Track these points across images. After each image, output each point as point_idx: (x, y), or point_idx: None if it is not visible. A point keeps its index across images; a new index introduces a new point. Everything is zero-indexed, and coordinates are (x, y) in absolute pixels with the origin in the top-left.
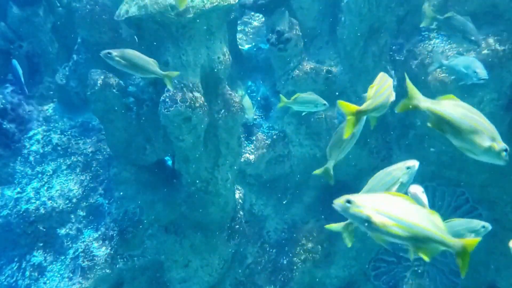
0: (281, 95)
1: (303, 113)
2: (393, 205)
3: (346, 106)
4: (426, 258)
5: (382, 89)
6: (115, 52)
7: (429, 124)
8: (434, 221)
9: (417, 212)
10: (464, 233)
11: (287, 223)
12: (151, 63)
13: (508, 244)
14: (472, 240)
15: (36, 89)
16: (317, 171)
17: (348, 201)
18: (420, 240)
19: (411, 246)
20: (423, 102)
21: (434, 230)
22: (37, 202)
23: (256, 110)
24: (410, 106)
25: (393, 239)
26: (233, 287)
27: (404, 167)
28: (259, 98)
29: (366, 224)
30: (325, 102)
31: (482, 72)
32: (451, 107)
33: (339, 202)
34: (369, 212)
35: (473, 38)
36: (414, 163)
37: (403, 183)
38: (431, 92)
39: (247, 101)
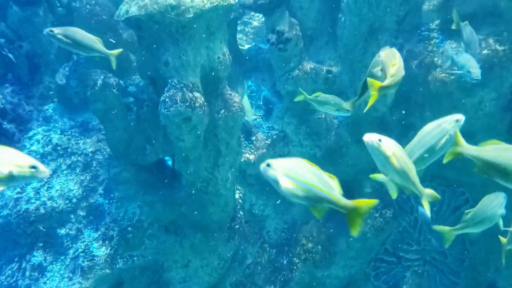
0: (300, 89)
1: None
2: (300, 169)
3: (372, 82)
4: (317, 216)
5: (400, 67)
6: (57, 30)
7: (476, 170)
8: (331, 184)
9: (317, 176)
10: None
11: (287, 223)
12: (95, 41)
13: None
14: (363, 202)
15: (36, 89)
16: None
17: (268, 164)
18: (316, 201)
19: (309, 205)
20: (469, 150)
21: (329, 192)
22: (37, 202)
23: (256, 110)
24: (457, 153)
25: (296, 199)
26: (233, 287)
27: (453, 120)
28: (261, 102)
29: (276, 184)
30: (349, 108)
31: (475, 72)
32: (497, 152)
33: (262, 166)
34: (278, 175)
35: (472, 51)
36: (462, 117)
37: (452, 136)
38: (432, 92)
39: (246, 103)
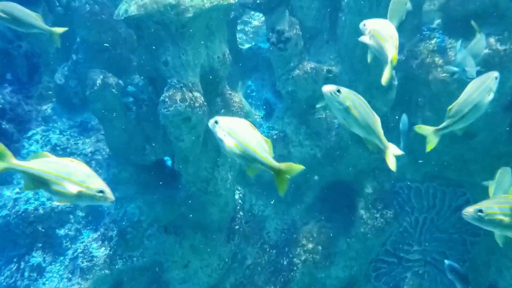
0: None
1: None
2: (241, 130)
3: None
4: (250, 174)
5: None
6: None
7: None
8: (265, 147)
9: (254, 138)
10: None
11: (287, 223)
12: (35, 17)
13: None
14: (290, 165)
15: (35, 89)
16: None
17: (216, 122)
18: (250, 160)
19: (245, 163)
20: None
21: (261, 154)
22: (36, 202)
23: (256, 110)
24: None
25: (235, 157)
26: (233, 287)
27: (493, 77)
28: (263, 104)
29: (221, 142)
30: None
31: (470, 70)
32: None
33: (211, 121)
34: (223, 133)
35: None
36: (497, 74)
37: (494, 91)
38: (432, 92)
39: (245, 105)
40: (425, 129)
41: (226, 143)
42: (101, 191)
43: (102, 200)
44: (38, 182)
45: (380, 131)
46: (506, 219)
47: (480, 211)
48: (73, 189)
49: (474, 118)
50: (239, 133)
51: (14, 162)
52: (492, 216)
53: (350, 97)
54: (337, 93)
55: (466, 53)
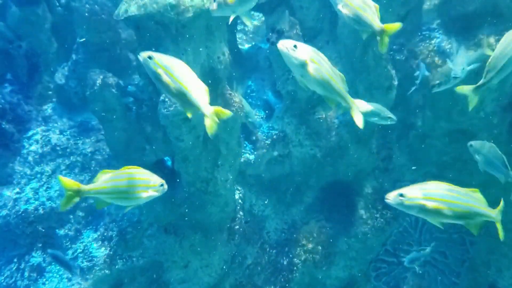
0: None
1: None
2: (176, 67)
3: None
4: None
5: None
6: None
7: None
8: (196, 82)
9: (187, 75)
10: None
11: (287, 223)
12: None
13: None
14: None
15: (35, 89)
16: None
17: (150, 57)
18: (179, 96)
19: (173, 96)
20: None
21: (186, 87)
22: (36, 202)
23: (256, 110)
24: None
25: (167, 92)
26: (233, 287)
27: None
28: (263, 104)
29: (154, 77)
30: (391, 115)
31: (455, 69)
32: None
33: (143, 55)
34: (158, 70)
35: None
36: None
37: None
38: (432, 92)
39: (246, 105)
40: (465, 89)
41: (163, 79)
42: (162, 185)
43: (163, 191)
44: (110, 198)
45: (342, 88)
46: (428, 204)
47: (402, 195)
48: (149, 194)
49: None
50: (175, 70)
51: (86, 188)
52: (413, 200)
53: (308, 52)
54: (294, 49)
55: (463, 53)
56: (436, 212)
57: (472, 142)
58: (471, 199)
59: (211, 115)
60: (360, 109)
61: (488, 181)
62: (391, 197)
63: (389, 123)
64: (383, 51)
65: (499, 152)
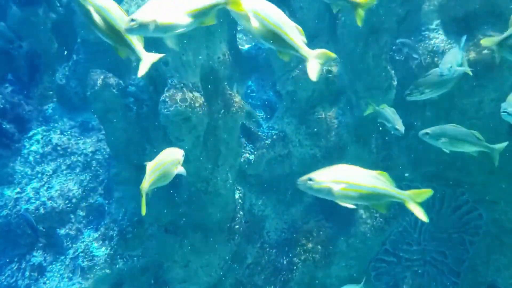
0: (370, 101)
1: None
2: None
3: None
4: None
5: None
6: None
7: None
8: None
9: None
10: None
11: (287, 223)
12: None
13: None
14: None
15: (36, 89)
16: None
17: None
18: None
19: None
20: None
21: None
22: (37, 202)
23: (256, 110)
24: None
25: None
26: (233, 287)
27: None
28: (263, 104)
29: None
30: (399, 128)
31: (443, 67)
32: None
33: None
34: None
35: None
36: None
37: None
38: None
39: (246, 105)
40: (490, 41)
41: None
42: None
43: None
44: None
45: (295, 39)
46: (335, 187)
47: (311, 179)
48: (179, 170)
49: None
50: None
51: (146, 187)
52: (321, 184)
53: (250, 4)
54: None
55: (454, 52)
56: (344, 195)
57: (427, 130)
58: (378, 181)
59: (315, 58)
60: (319, 60)
61: (488, 181)
62: (301, 181)
63: (392, 133)
64: (359, 24)
65: (464, 128)
